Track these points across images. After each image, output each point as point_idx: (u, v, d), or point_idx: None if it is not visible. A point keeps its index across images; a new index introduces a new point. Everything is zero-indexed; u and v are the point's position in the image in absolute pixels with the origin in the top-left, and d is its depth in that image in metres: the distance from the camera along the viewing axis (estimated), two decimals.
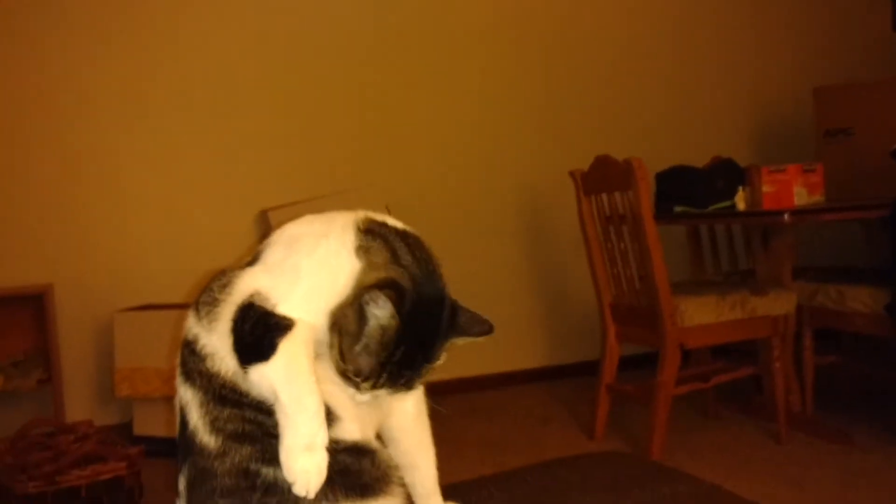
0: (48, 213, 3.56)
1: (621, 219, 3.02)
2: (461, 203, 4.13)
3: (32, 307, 3.42)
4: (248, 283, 1.03)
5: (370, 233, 1.06)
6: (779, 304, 3.01)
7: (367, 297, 1.01)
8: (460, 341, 1.10)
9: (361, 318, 1.02)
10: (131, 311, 3.36)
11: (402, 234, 1.10)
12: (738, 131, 4.65)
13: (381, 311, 1.01)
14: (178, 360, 1.07)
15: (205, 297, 1.06)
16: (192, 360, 1.04)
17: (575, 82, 4.37)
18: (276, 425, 0.99)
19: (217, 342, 1.02)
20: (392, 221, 1.11)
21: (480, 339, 1.11)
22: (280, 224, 3.64)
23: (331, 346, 1.03)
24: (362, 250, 1.04)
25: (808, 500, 2.53)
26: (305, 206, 3.52)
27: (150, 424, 3.27)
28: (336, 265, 1.03)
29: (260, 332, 0.99)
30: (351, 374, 1.03)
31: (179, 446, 1.05)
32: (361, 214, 1.09)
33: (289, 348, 0.98)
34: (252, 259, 1.09)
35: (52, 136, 3.57)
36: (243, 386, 1.00)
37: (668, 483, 1.28)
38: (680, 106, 4.56)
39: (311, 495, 0.96)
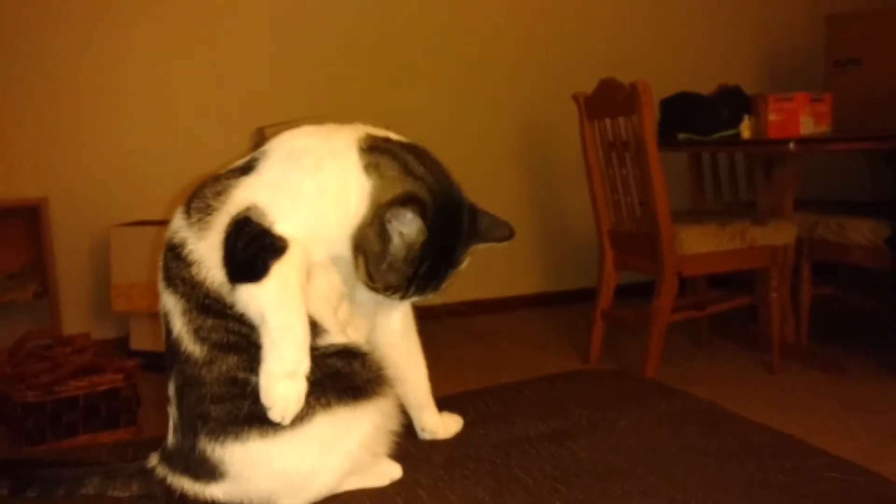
0: (44, 127, 3.50)
1: (624, 145, 2.98)
2: (462, 127, 4.08)
3: (28, 220, 3.40)
4: (246, 195, 1.00)
5: (375, 149, 1.04)
6: (779, 234, 3.00)
7: (388, 214, 0.99)
8: (482, 246, 1.10)
9: (384, 236, 1.01)
10: (127, 227, 3.34)
11: (409, 147, 1.07)
12: (746, 59, 4.56)
13: (407, 227, 1.00)
14: (160, 264, 1.05)
15: (197, 201, 1.03)
16: (175, 266, 1.02)
17: (581, 5, 4.26)
18: (259, 337, 0.98)
19: (205, 251, 1.00)
20: (394, 136, 1.09)
21: (503, 244, 1.11)
22: None
23: (356, 268, 1.03)
24: (371, 167, 1.02)
25: (799, 428, 2.53)
26: (304, 124, 3.47)
27: (146, 339, 3.29)
28: (343, 186, 1.01)
29: (253, 250, 0.96)
30: (381, 290, 1.04)
31: (166, 353, 1.05)
32: (362, 131, 1.06)
33: (282, 272, 0.96)
34: (246, 166, 1.05)
35: (48, 51, 3.48)
36: (228, 298, 0.99)
37: (665, 399, 1.29)
38: (687, 32, 4.46)
39: (287, 422, 0.96)
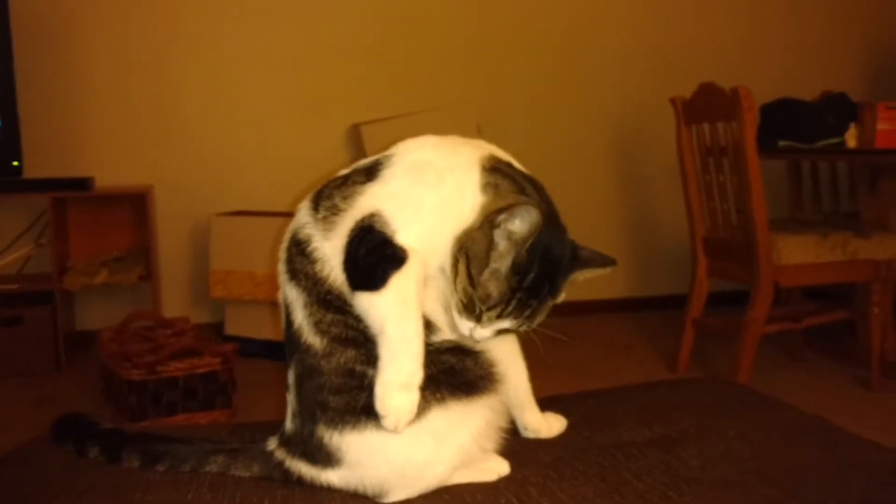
0: (151, 118, 3.66)
1: (722, 151, 2.93)
2: (554, 127, 4.07)
3: (134, 207, 3.55)
4: (371, 202, 1.02)
5: (496, 171, 1.05)
6: (883, 248, 2.89)
7: (499, 218, 1.00)
8: (583, 275, 1.09)
9: (490, 241, 1.01)
10: (227, 216, 3.45)
11: (527, 177, 1.09)
12: (852, 65, 4.41)
13: (518, 224, 1.00)
14: (283, 256, 1.08)
15: (325, 200, 1.06)
16: (299, 260, 1.06)
17: (679, 4, 4.19)
18: (376, 339, 1.01)
19: (329, 251, 1.03)
20: (516, 163, 1.10)
21: (606, 271, 1.10)
22: (371, 139, 3.67)
23: (456, 274, 1.02)
24: (490, 187, 1.03)
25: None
26: (398, 123, 3.52)
27: (241, 325, 3.39)
28: (461, 201, 1.03)
29: (374, 259, 0.99)
30: (478, 300, 1.02)
31: (286, 342, 1.08)
32: (486, 151, 1.08)
33: (401, 284, 0.98)
34: (371, 168, 1.07)
35: (157, 44, 3.64)
36: (349, 297, 1.02)
37: (774, 410, 1.27)
38: (790, 36, 4.33)
39: (400, 432, 0.98)
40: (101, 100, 3.60)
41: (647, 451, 1.14)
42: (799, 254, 2.80)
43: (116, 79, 3.61)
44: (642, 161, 4.19)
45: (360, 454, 1.02)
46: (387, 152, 1.10)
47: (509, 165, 1.08)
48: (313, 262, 1.04)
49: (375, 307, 0.99)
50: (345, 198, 1.05)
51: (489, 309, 1.03)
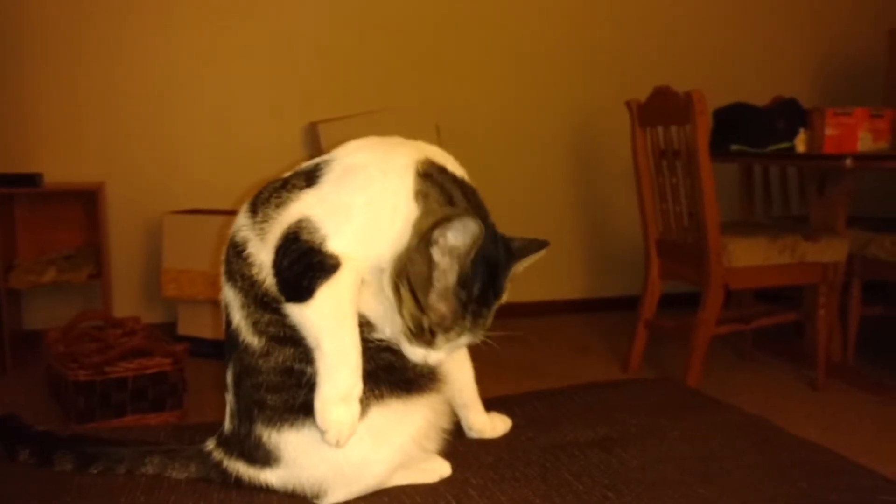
0: (102, 114, 3.59)
1: (675, 154, 2.96)
2: (511, 128, 4.08)
3: (85, 204, 3.49)
4: (300, 209, 1.00)
5: (428, 177, 1.03)
6: (830, 251, 2.95)
7: (435, 234, 0.97)
8: (521, 266, 1.08)
9: (429, 260, 0.99)
10: (180, 214, 3.40)
11: (458, 181, 1.06)
12: (803, 71, 4.50)
13: (459, 239, 0.97)
14: (223, 257, 1.07)
15: (262, 205, 1.04)
16: (236, 262, 1.04)
17: (636, 9, 4.24)
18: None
19: (264, 257, 1.01)
20: (451, 166, 1.07)
21: (541, 254, 1.10)
22: (328, 138, 3.64)
23: (400, 301, 1.00)
24: (420, 195, 1.01)
25: (840, 447, 2.51)
26: (355, 122, 3.50)
27: (193, 325, 3.35)
28: (392, 207, 1.00)
29: (300, 269, 0.97)
30: (433, 325, 1.00)
31: (226, 342, 1.07)
32: (422, 155, 1.05)
33: (332, 294, 0.96)
34: (311, 173, 1.05)
35: (111, 42, 3.57)
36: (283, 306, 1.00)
37: (717, 412, 1.28)
38: (743, 41, 4.40)
39: (343, 446, 0.96)
40: (50, 94, 3.52)
41: (589, 451, 1.14)
42: (749, 256, 2.85)
43: (66, 72, 3.54)
44: (599, 163, 4.23)
45: (297, 453, 1.01)
46: (327, 155, 1.08)
47: (442, 171, 1.05)
48: (250, 265, 1.03)
49: (307, 319, 0.97)
50: (278, 205, 1.02)
51: (446, 331, 1.01)
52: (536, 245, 1.09)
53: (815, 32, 4.54)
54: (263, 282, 1.01)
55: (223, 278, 1.07)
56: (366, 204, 0.99)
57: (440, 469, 1.10)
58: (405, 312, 1.00)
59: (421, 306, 0.99)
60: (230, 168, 3.69)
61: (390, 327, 1.05)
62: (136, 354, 2.65)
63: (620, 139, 3.33)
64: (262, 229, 1.02)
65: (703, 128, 2.78)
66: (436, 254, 0.98)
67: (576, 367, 3.36)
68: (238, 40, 3.73)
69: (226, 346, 1.07)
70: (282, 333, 1.01)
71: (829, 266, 2.96)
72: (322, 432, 0.96)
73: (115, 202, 3.57)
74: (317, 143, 3.57)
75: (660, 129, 3.03)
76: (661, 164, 3.06)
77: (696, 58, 4.26)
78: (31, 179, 3.27)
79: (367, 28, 3.88)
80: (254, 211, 1.05)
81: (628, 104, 3.15)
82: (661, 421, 1.24)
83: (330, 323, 0.97)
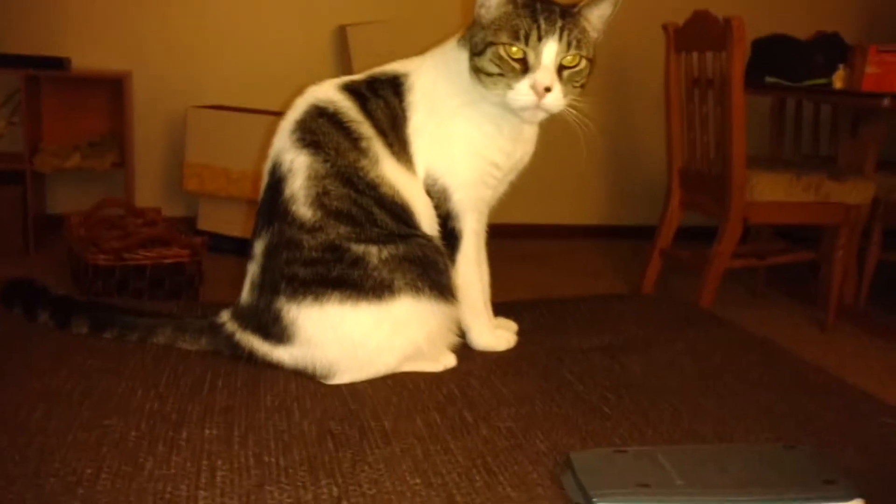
0: (133, 3, 3.54)
1: (709, 82, 2.90)
2: None
3: (111, 92, 3.47)
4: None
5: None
6: (855, 192, 2.91)
7: None
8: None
9: (477, 17, 1.11)
10: (204, 109, 3.39)
11: None
12: (851, 4, 4.33)
13: None
14: (296, 118, 1.06)
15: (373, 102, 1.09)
16: (330, 131, 1.04)
17: None
18: (384, 220, 1.03)
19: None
20: None
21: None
22: (358, 42, 3.57)
23: (483, 59, 1.10)
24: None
25: None
26: (384, 27, 3.44)
27: (213, 220, 3.38)
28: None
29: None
30: (518, 34, 1.06)
31: (262, 210, 1.07)
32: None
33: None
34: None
35: None
36: (381, 189, 1.04)
37: (722, 328, 1.29)
38: None
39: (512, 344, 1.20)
40: None
41: (592, 356, 1.16)
42: (772, 191, 2.81)
43: None
44: (628, 87, 4.14)
45: (315, 330, 1.02)
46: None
47: None
48: (355, 139, 1.04)
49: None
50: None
51: (526, 37, 1.07)
52: None
53: None
54: (365, 166, 1.04)
55: (291, 140, 1.05)
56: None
57: (445, 360, 1.12)
58: (488, 59, 1.07)
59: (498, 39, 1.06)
60: (256, 68, 3.65)
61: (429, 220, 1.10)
62: (156, 244, 2.69)
63: (653, 64, 3.25)
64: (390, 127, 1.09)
65: (740, 56, 2.71)
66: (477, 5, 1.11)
67: (586, 290, 3.37)
68: None
69: (260, 217, 1.06)
70: (346, 209, 1.01)
71: (852, 208, 2.92)
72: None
73: (140, 92, 3.56)
74: (345, 46, 3.52)
75: (695, 56, 2.96)
76: (693, 91, 2.99)
77: None
78: (59, 62, 3.25)
79: None
80: (362, 98, 1.09)
81: (665, 27, 3.07)
82: (666, 334, 1.26)
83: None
